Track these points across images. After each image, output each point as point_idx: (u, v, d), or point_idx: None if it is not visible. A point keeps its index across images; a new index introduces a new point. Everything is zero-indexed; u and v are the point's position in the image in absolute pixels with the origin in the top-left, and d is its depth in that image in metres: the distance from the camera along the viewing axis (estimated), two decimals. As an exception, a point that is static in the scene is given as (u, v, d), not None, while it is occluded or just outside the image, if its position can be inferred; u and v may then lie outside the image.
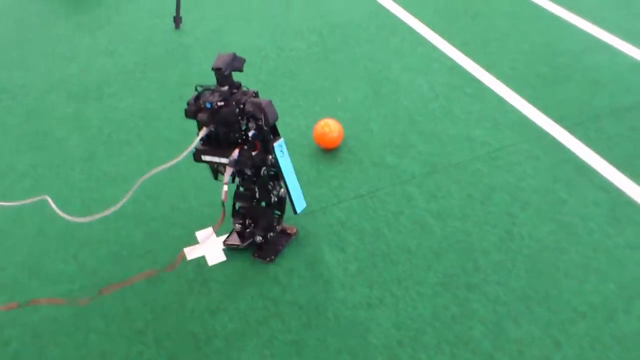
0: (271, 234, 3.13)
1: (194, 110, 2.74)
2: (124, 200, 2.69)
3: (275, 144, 2.83)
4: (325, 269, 3.04)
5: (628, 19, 4.88)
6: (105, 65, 4.78)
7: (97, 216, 2.66)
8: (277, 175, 2.95)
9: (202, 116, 2.70)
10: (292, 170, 2.97)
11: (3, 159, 3.88)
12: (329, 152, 3.75)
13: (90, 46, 5.05)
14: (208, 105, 2.70)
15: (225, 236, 3.21)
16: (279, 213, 3.12)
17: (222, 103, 2.69)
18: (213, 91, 2.74)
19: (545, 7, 5.13)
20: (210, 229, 3.27)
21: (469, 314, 2.78)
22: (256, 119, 2.74)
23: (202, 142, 2.82)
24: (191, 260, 3.14)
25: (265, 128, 2.76)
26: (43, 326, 2.87)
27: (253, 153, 2.78)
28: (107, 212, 2.67)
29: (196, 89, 2.78)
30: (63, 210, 3.33)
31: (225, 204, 2.76)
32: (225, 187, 2.74)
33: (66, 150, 3.90)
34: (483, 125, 3.87)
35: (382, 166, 3.63)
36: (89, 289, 3.02)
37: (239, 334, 2.78)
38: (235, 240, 3.19)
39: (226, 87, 2.73)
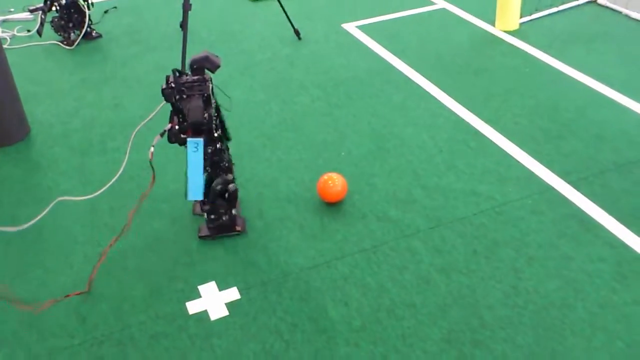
0: (212, 216, 3.51)
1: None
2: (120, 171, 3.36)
3: (190, 140, 3.19)
4: (329, 324, 3.00)
5: (632, 75, 4.92)
6: (109, 119, 4.80)
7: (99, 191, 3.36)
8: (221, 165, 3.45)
9: (162, 88, 3.27)
10: (200, 167, 3.22)
11: (7, 211, 3.86)
12: (332, 205, 3.74)
13: (95, 100, 5.08)
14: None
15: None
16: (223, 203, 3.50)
17: (169, 85, 3.24)
18: (183, 76, 3.27)
19: (548, 62, 5.18)
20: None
21: (475, 371, 2.74)
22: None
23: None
24: (193, 315, 3.10)
25: (185, 123, 3.24)
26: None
27: (182, 135, 3.25)
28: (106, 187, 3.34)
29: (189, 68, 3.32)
30: (64, 269, 3.32)
31: (152, 163, 3.26)
32: (151, 149, 3.23)
33: (69, 203, 3.88)
34: (487, 180, 3.87)
35: (386, 220, 3.61)
36: (89, 343, 2.98)
37: (241, 391, 2.73)
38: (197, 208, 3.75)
39: (195, 77, 3.25)
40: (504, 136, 4.27)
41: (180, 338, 2.99)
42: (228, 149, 3.61)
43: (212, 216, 3.54)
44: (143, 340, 2.99)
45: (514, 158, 4.05)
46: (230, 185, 3.46)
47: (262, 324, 3.03)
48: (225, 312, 3.11)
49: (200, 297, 3.20)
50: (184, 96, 3.25)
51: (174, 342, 2.97)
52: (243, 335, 2.98)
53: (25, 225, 3.28)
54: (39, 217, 3.30)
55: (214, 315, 3.09)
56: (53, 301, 3.17)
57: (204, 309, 3.13)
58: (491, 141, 4.24)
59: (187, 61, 3.31)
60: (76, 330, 3.07)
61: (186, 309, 3.14)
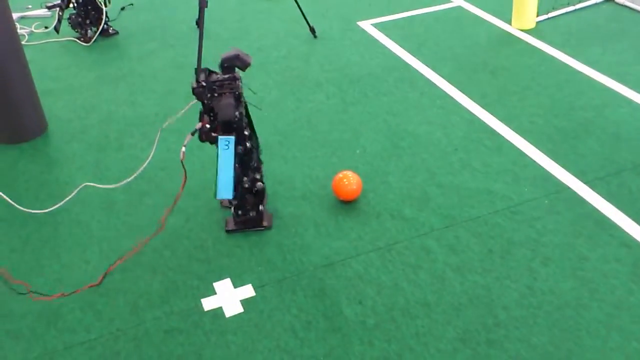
0: (240, 211, 3.55)
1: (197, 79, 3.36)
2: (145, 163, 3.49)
3: (221, 137, 3.24)
4: (343, 322, 3.00)
5: (648, 74, 4.89)
6: (125, 115, 4.83)
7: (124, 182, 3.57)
8: (250, 165, 3.50)
9: (192, 87, 3.31)
10: (230, 164, 3.26)
11: (24, 207, 3.89)
12: (347, 203, 3.74)
13: (112, 96, 5.11)
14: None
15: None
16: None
17: (200, 84, 3.28)
18: (213, 74, 3.34)
19: (565, 61, 5.15)
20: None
21: (489, 371, 2.74)
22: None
23: None
24: (208, 311, 3.11)
25: (216, 121, 3.29)
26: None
27: (213, 134, 3.29)
28: (134, 175, 3.50)
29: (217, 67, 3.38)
30: (80, 264, 3.34)
31: (184, 163, 3.27)
32: (183, 149, 3.23)
33: (86, 199, 3.91)
34: (503, 179, 3.86)
35: (400, 219, 3.61)
36: (105, 338, 3.00)
37: (256, 388, 2.74)
38: (225, 201, 3.77)
39: (225, 75, 3.30)
40: (520, 135, 4.25)
41: (195, 334, 3.00)
42: (258, 146, 3.64)
43: (240, 211, 3.58)
44: (158, 335, 3.01)
45: (529, 157, 4.04)
46: (258, 184, 3.51)
47: (277, 322, 3.04)
48: (240, 309, 3.12)
49: (216, 293, 3.22)
50: (215, 95, 3.29)
51: (189, 338, 2.99)
52: (258, 332, 2.99)
53: (51, 208, 3.42)
54: (64, 202, 3.43)
55: (228, 312, 3.11)
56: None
57: (219, 306, 3.14)
58: (507, 140, 4.22)
59: (218, 60, 3.31)
60: (92, 325, 3.09)
61: (201, 305, 3.16)
